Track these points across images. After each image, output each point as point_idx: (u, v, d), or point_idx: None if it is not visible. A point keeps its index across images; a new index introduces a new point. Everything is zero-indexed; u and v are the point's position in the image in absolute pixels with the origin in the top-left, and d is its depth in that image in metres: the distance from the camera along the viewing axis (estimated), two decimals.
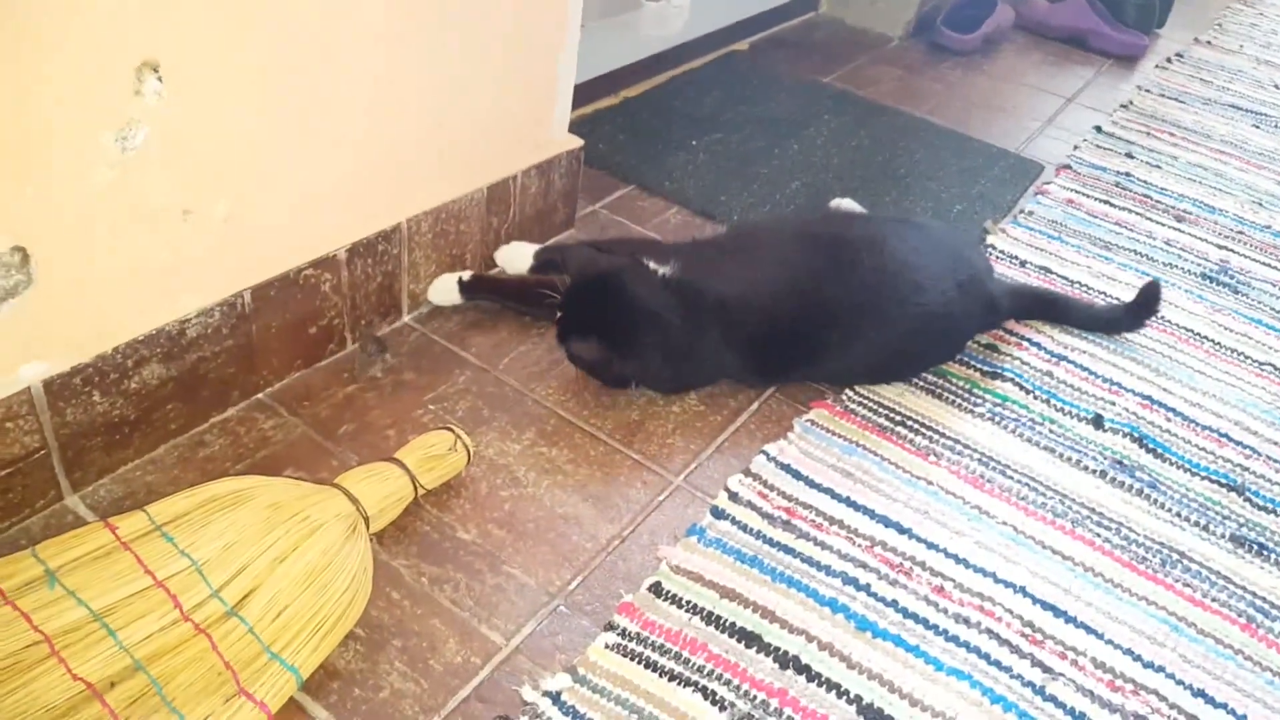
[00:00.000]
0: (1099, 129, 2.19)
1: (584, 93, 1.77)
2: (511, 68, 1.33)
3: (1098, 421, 1.34)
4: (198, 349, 1.08)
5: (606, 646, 0.97)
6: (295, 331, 1.20)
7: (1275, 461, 1.33)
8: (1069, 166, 2.01)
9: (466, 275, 1.36)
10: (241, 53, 0.98)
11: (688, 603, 1.02)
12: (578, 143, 1.51)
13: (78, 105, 0.87)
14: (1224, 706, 1.00)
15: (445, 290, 1.36)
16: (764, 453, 1.21)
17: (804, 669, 0.97)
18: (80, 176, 0.90)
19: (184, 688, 0.82)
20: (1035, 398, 1.37)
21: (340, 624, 0.91)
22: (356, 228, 1.22)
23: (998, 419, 1.32)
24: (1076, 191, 1.92)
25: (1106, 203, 1.90)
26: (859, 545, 1.11)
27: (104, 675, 0.81)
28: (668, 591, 1.03)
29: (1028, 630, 1.04)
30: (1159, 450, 1.31)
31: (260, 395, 1.20)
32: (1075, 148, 2.10)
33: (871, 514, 1.15)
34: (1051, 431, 1.32)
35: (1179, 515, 1.22)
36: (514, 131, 1.41)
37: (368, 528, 0.99)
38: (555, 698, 0.92)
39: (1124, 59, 2.60)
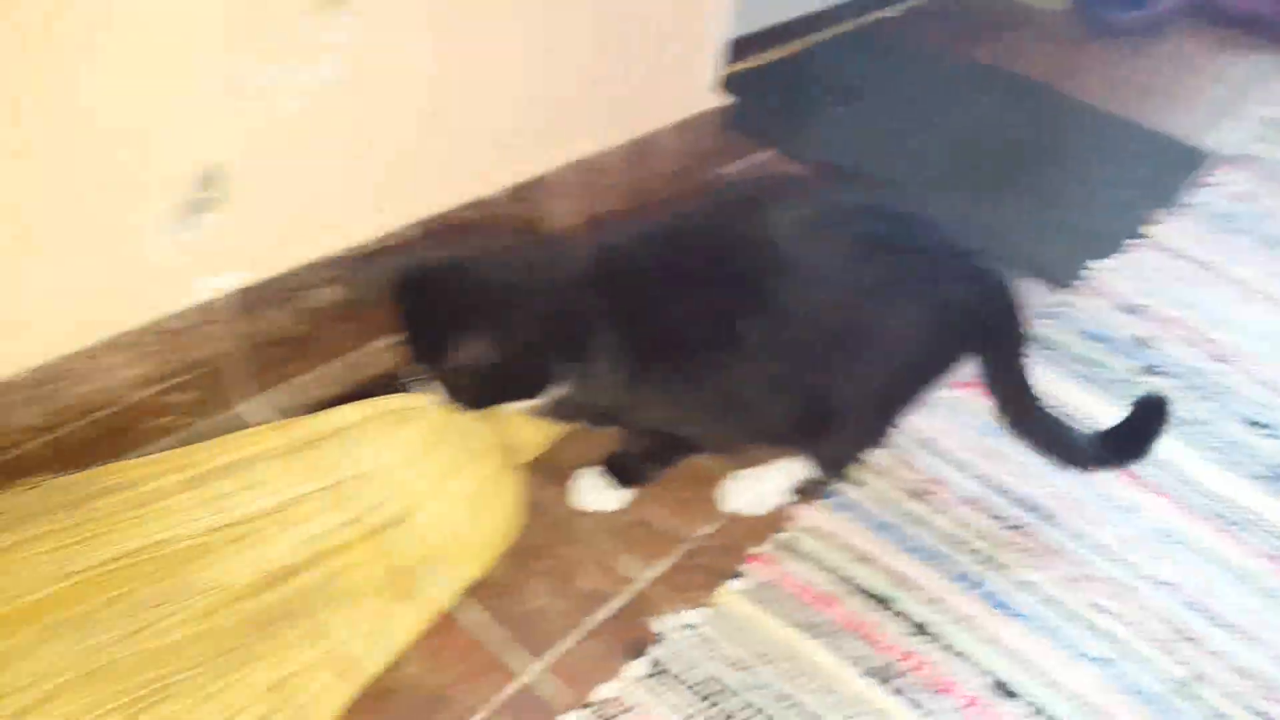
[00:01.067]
0: (1271, 120, 2.08)
1: (733, 50, 1.76)
2: (659, 20, 1.33)
3: (1259, 423, 1.29)
4: (369, 274, 1.13)
5: (739, 591, 0.99)
6: None
7: None
8: (1236, 157, 1.92)
9: None
10: None
11: (819, 561, 1.03)
12: (723, 101, 1.51)
13: (276, 33, 0.91)
14: None
15: None
16: (906, 427, 1.21)
17: (936, 637, 0.97)
18: (274, 103, 0.94)
19: (353, 586, 0.89)
20: (1193, 393, 1.33)
21: (496, 544, 0.97)
22: (508, 175, 1.25)
23: None
24: (1244, 184, 1.84)
25: (1277, 197, 1.81)
26: (999, 525, 1.11)
27: (284, 564, 0.88)
28: (800, 548, 1.05)
29: (1174, 628, 1.02)
30: None
31: None
32: (1258, 139, 2.00)
33: (1012, 496, 1.15)
34: (1208, 431, 1.28)
35: None
36: (660, 86, 1.41)
37: (521, 458, 1.04)
38: (688, 631, 0.95)
39: None
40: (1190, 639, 1.01)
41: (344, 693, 0.85)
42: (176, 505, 0.90)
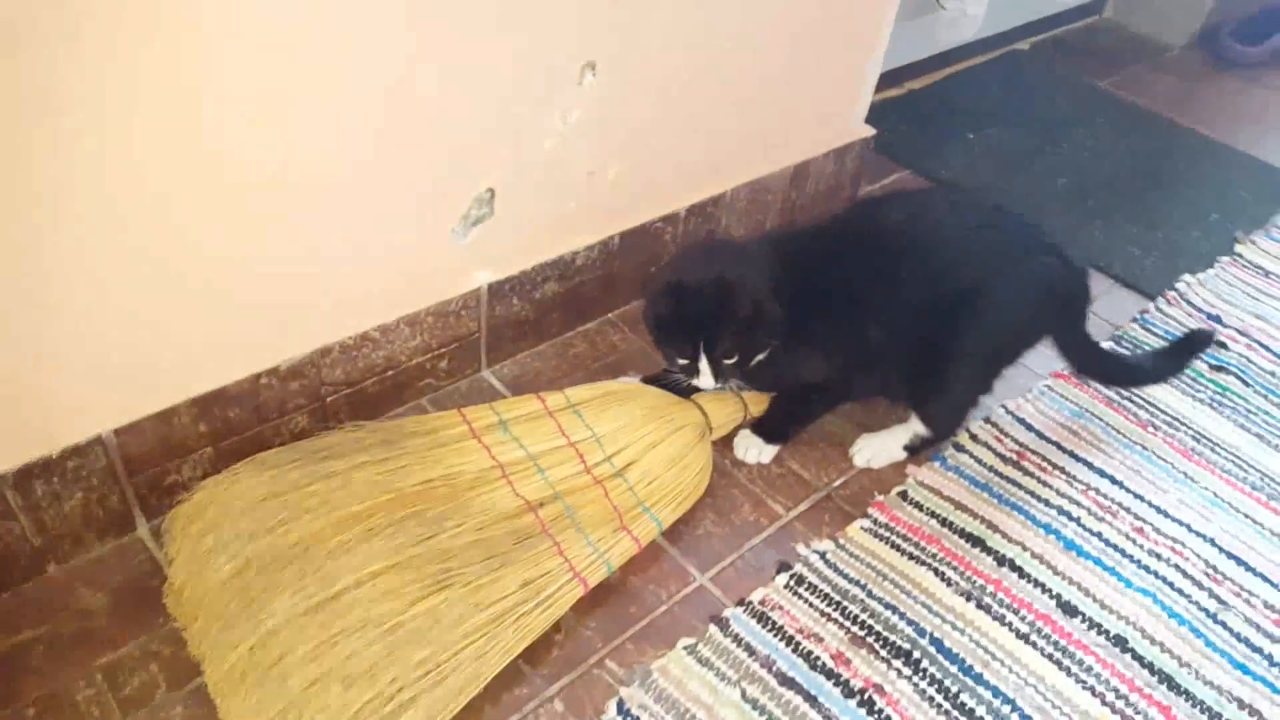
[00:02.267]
0: None
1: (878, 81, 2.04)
2: (826, 67, 1.64)
3: None
4: (580, 274, 1.47)
5: (862, 529, 1.28)
6: (640, 269, 1.57)
7: None
8: None
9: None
10: (645, 58, 1.34)
11: (926, 508, 1.32)
12: (870, 132, 1.80)
13: (542, 93, 1.25)
14: None
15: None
16: (1003, 406, 1.48)
17: (1017, 569, 1.25)
18: (535, 143, 1.28)
19: (585, 518, 1.19)
20: (1255, 391, 1.56)
21: (690, 496, 1.26)
22: (693, 194, 1.56)
23: (1215, 405, 1.53)
24: None
25: None
26: (1075, 488, 1.37)
27: (536, 497, 1.19)
28: (912, 498, 1.33)
29: (1210, 570, 1.27)
30: None
31: (611, 315, 1.58)
32: None
33: (1089, 465, 1.40)
34: (1265, 421, 1.51)
35: None
36: (820, 120, 1.71)
37: (710, 434, 1.34)
38: (821, 555, 1.24)
39: None
40: (1223, 579, 1.26)
41: (576, 593, 1.12)
42: (462, 449, 1.22)
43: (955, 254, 1.26)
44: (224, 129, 1.00)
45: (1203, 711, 1.12)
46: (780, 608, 1.17)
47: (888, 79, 2.20)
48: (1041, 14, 2.54)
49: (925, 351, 1.27)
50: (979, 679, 1.12)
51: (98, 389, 1.08)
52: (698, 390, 1.30)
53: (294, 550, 1.07)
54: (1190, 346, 1.55)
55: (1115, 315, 1.70)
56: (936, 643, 1.15)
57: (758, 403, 1.39)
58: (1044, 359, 1.58)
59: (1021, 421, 1.46)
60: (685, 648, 1.12)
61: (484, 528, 1.15)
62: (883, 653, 1.13)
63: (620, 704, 1.06)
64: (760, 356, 1.27)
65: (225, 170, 1.03)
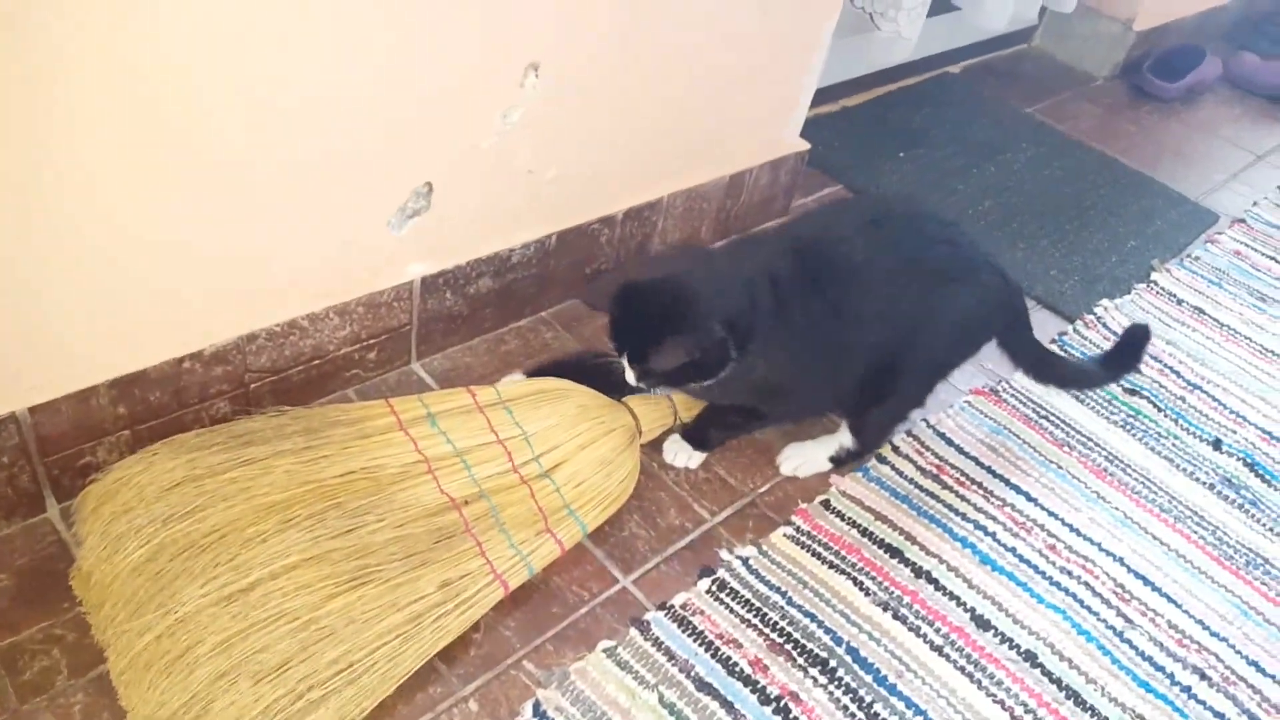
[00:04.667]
0: None
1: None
2: (764, 80, 1.65)
3: (1217, 444, 1.58)
4: (515, 272, 1.46)
5: (785, 536, 1.30)
6: (575, 269, 1.56)
7: None
8: (1244, 220, 2.19)
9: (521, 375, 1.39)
10: (588, 63, 1.33)
11: (848, 517, 1.34)
12: (805, 146, 1.82)
13: (484, 91, 1.24)
14: (1272, 677, 1.25)
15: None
16: (925, 420, 1.51)
17: (933, 581, 1.27)
18: (475, 140, 1.27)
19: (510, 518, 1.17)
20: (1165, 415, 1.62)
21: (617, 500, 1.26)
22: (631, 198, 1.56)
23: (1128, 427, 1.58)
24: (1246, 245, 2.11)
25: (1273, 259, 2.08)
26: (992, 503, 1.40)
27: (461, 494, 1.18)
28: (834, 507, 1.35)
29: (1119, 589, 1.31)
30: (1267, 477, 1.54)
31: (544, 313, 1.57)
32: (1255, 204, 2.27)
33: (1006, 482, 1.44)
34: (1174, 445, 1.56)
35: (1271, 529, 1.45)
36: (757, 132, 1.73)
37: (640, 437, 1.34)
38: (744, 561, 1.25)
39: None
40: (1130, 598, 1.30)
41: (496, 595, 1.11)
42: (388, 441, 1.19)
43: (913, 270, 1.26)
44: (155, 108, 0.97)
45: None
46: (701, 612, 1.18)
47: (824, 95, 2.23)
48: (972, 39, 2.60)
49: (876, 368, 1.28)
50: (893, 689, 1.14)
51: (13, 366, 1.04)
52: (627, 388, 1.27)
53: (209, 538, 1.04)
54: (1134, 343, 1.50)
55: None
56: (853, 652, 1.17)
57: (689, 408, 1.39)
58: (965, 375, 1.62)
59: (942, 436, 1.49)
60: (605, 650, 1.12)
61: (405, 524, 1.13)
62: (800, 660, 1.15)
63: (536, 705, 1.06)
64: (703, 384, 1.21)
65: (154, 151, 1.00)
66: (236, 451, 1.13)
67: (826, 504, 1.35)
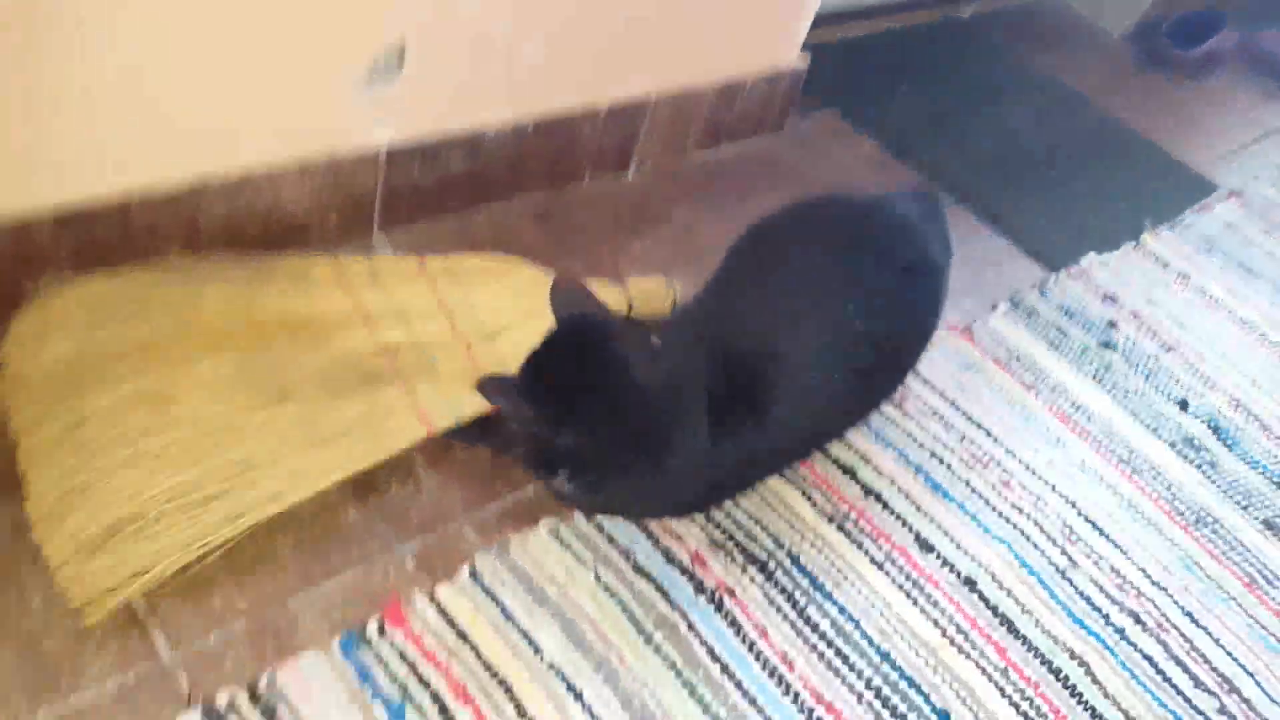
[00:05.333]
0: None
1: (816, 20, 2.01)
2: None
3: (1184, 405, 1.56)
4: (489, 154, 1.41)
5: None
6: (553, 163, 1.52)
7: None
8: (1241, 194, 2.15)
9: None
10: None
11: None
12: (804, 64, 1.77)
13: None
14: (1205, 629, 1.24)
15: None
16: None
17: (882, 501, 1.25)
18: (454, 2, 1.22)
19: (445, 372, 1.15)
20: (1136, 372, 1.59)
21: None
22: (616, 92, 1.51)
23: (1098, 379, 1.56)
24: (1240, 217, 2.08)
25: (1265, 233, 2.05)
26: (952, 434, 1.38)
27: (395, 344, 1.16)
28: None
29: (1067, 530, 1.30)
30: (1229, 442, 1.52)
31: (513, 202, 1.53)
32: (1255, 178, 2.23)
33: (968, 417, 1.42)
34: (1141, 401, 1.54)
35: (1225, 492, 1.44)
36: (754, 36, 1.67)
37: None
38: None
39: None
40: (1076, 540, 1.29)
41: (418, 432, 1.09)
42: (328, 294, 1.17)
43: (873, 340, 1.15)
44: None
45: (1035, 656, 1.15)
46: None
47: (826, 21, 2.16)
48: None
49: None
50: (828, 596, 1.13)
51: None
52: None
53: (132, 348, 1.02)
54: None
55: (1016, 281, 1.72)
56: (793, 557, 1.15)
57: (644, 300, 1.36)
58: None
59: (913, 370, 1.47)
60: (548, 529, 1.10)
61: (333, 365, 1.11)
62: (739, 559, 1.13)
63: (473, 570, 1.04)
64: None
65: None
66: (173, 276, 1.11)
67: None
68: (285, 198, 1.25)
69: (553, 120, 1.45)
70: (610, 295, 1.33)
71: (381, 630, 0.98)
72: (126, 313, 1.06)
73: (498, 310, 1.22)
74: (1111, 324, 1.67)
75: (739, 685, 1.04)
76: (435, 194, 1.40)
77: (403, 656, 0.97)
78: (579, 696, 0.99)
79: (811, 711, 1.03)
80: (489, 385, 0.98)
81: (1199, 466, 1.47)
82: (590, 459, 1.01)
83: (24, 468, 0.96)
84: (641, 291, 1.36)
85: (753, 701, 1.03)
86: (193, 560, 0.96)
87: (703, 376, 1.04)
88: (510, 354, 1.18)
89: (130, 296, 1.07)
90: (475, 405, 1.13)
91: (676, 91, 1.58)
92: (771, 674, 1.05)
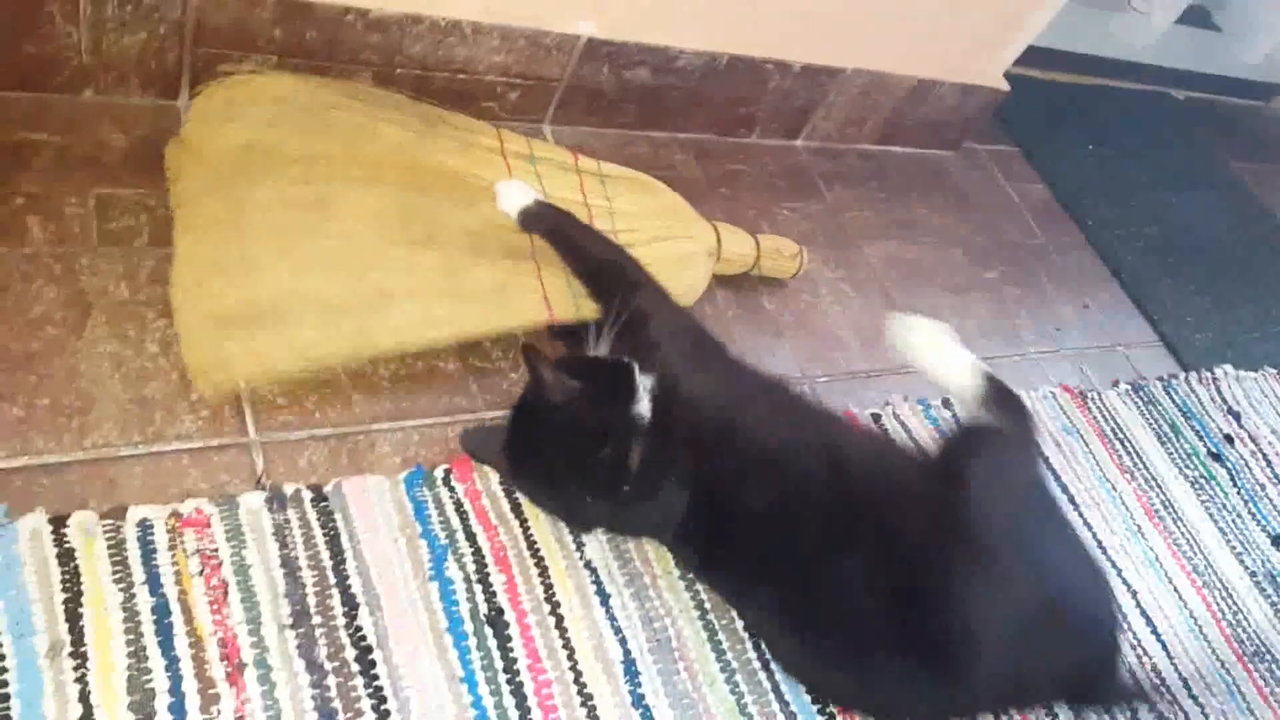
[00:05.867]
0: None
1: (1025, 54, 1.97)
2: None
3: (1276, 540, 1.51)
4: (675, 76, 1.43)
5: None
6: (731, 106, 1.52)
7: None
8: None
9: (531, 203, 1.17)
10: None
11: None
12: (1004, 87, 1.74)
13: None
14: None
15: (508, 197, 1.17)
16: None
17: None
18: None
19: None
20: (1239, 493, 1.55)
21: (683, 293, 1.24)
22: (816, 53, 1.51)
23: (1197, 486, 1.51)
24: None
25: None
26: None
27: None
28: (882, 423, 1.33)
29: (1122, 618, 1.27)
30: None
31: (680, 135, 1.54)
32: None
33: (1056, 477, 1.40)
34: (1233, 521, 1.50)
35: None
36: (963, 45, 1.65)
37: (717, 259, 1.31)
38: None
39: None
40: (1126, 629, 1.27)
41: (540, 315, 1.11)
42: (489, 159, 1.19)
43: None
44: None
45: None
46: None
47: (1037, 57, 2.11)
48: (1214, 68, 2.45)
49: None
50: None
51: None
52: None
53: (305, 154, 1.06)
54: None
55: (1144, 367, 1.68)
56: None
57: (771, 256, 1.37)
58: (1060, 370, 1.58)
59: None
60: None
61: (481, 227, 1.14)
62: None
63: None
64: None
65: None
66: (356, 103, 1.14)
67: (877, 417, 1.33)
68: (480, 57, 1.28)
69: (745, 61, 1.45)
70: (738, 240, 1.34)
71: (447, 478, 1.02)
72: (307, 122, 1.10)
73: (633, 226, 1.24)
74: (1228, 439, 1.62)
75: (757, 645, 1.05)
76: (613, 102, 1.43)
77: (459, 507, 1.01)
78: (605, 600, 1.01)
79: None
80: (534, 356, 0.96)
81: (1274, 604, 1.42)
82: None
83: (178, 232, 1.01)
84: (771, 248, 1.37)
85: (765, 664, 1.04)
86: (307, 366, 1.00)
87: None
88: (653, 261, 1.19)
89: (313, 106, 1.11)
90: (593, 309, 1.15)
91: (873, 72, 1.57)
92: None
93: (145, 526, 0.86)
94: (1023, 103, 1.98)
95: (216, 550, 0.87)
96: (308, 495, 0.95)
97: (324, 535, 0.92)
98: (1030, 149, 1.96)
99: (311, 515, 0.93)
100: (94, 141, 1.09)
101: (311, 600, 0.88)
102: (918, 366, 1.19)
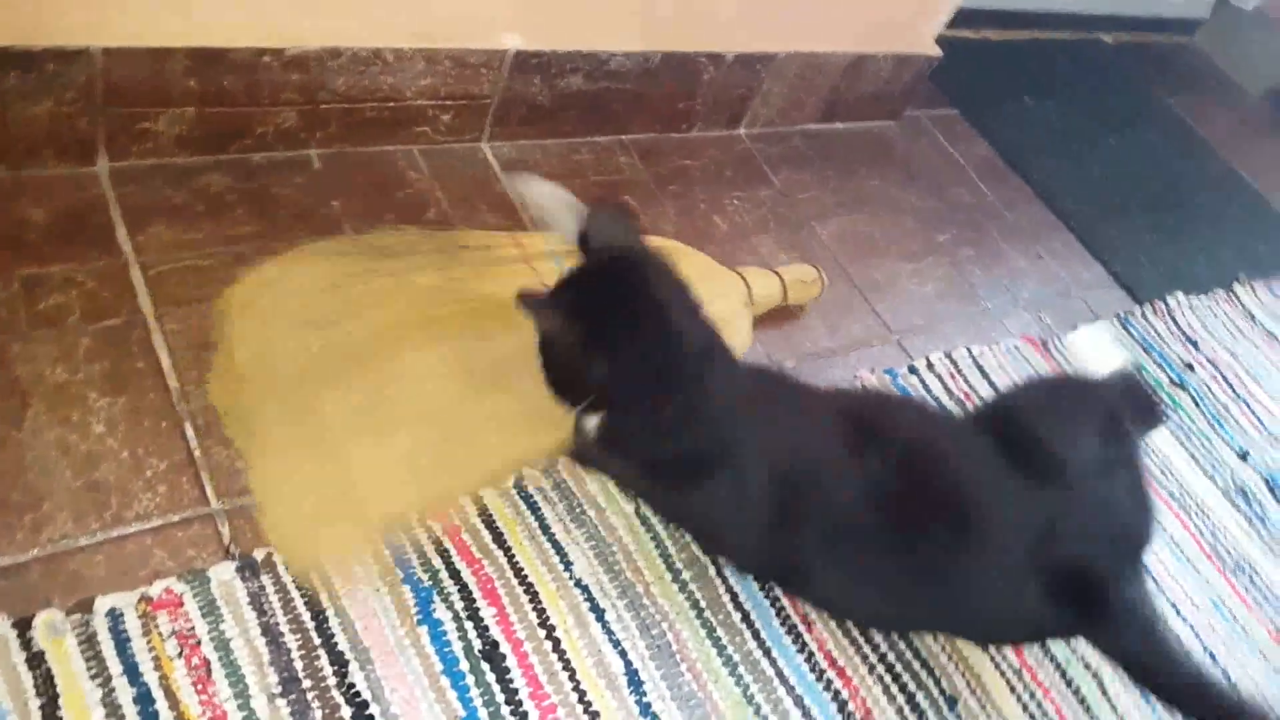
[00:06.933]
0: None
1: (955, 16, 1.97)
2: None
3: (1244, 456, 1.55)
4: (609, 80, 1.42)
5: None
6: (669, 101, 1.52)
7: None
8: None
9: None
10: None
11: None
12: (937, 53, 1.75)
13: None
14: (1224, 669, 1.24)
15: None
16: (967, 348, 1.48)
17: None
18: None
19: None
20: (1204, 416, 1.58)
21: None
22: (747, 41, 1.51)
23: (1163, 416, 1.54)
24: None
25: None
26: None
27: None
28: None
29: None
30: None
31: (623, 137, 1.54)
32: None
33: None
34: (1202, 444, 1.53)
35: (1268, 546, 1.43)
36: (893, 17, 1.66)
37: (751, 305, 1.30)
38: None
39: None
40: None
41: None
42: (515, 271, 1.17)
43: None
44: None
45: (1052, 663, 1.16)
46: None
47: (967, 17, 2.13)
48: (1137, 10, 2.47)
49: None
50: None
51: (96, 4, 1.03)
52: None
53: (357, 346, 1.05)
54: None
55: (1101, 307, 1.71)
56: None
57: (797, 288, 1.37)
58: (1020, 321, 1.59)
59: (979, 367, 1.46)
60: None
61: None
62: None
63: (519, 479, 1.07)
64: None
65: None
66: (375, 263, 1.13)
67: None
68: (406, 83, 1.26)
69: (678, 57, 1.45)
70: (765, 281, 1.33)
71: (422, 520, 1.01)
72: (343, 305, 1.07)
73: None
74: (1189, 366, 1.65)
75: (756, 634, 1.05)
76: (549, 113, 1.42)
77: (439, 546, 1.00)
78: (600, 615, 1.01)
79: (823, 673, 1.05)
80: (530, 299, 0.93)
81: (1248, 517, 1.46)
82: (616, 400, 0.97)
83: (252, 463, 0.98)
84: (794, 279, 1.37)
85: (767, 652, 1.04)
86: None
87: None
88: None
89: (339, 286, 1.09)
90: None
91: (807, 54, 1.57)
92: (790, 630, 1.07)
93: (115, 616, 0.84)
94: (957, 65, 1.98)
95: (193, 628, 0.86)
96: (280, 558, 0.93)
97: (302, 596, 0.91)
98: (969, 110, 1.98)
99: (287, 578, 0.92)
100: (12, 220, 1.06)
101: (299, 664, 0.87)
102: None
